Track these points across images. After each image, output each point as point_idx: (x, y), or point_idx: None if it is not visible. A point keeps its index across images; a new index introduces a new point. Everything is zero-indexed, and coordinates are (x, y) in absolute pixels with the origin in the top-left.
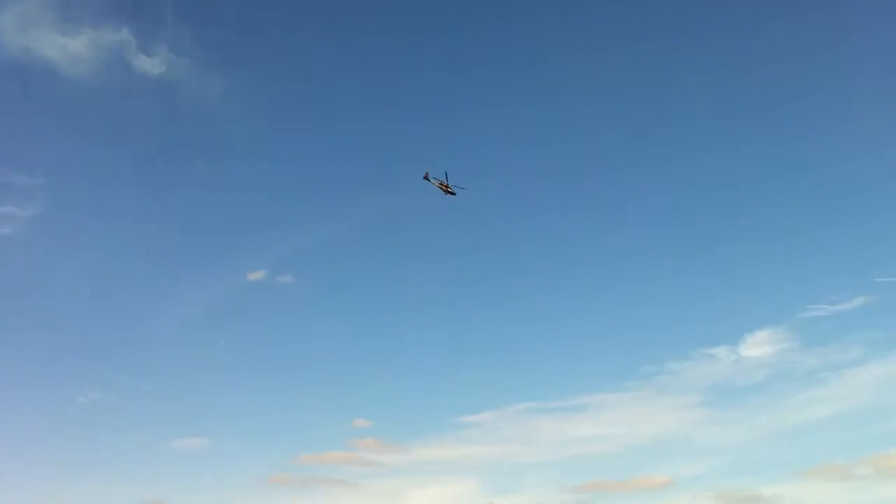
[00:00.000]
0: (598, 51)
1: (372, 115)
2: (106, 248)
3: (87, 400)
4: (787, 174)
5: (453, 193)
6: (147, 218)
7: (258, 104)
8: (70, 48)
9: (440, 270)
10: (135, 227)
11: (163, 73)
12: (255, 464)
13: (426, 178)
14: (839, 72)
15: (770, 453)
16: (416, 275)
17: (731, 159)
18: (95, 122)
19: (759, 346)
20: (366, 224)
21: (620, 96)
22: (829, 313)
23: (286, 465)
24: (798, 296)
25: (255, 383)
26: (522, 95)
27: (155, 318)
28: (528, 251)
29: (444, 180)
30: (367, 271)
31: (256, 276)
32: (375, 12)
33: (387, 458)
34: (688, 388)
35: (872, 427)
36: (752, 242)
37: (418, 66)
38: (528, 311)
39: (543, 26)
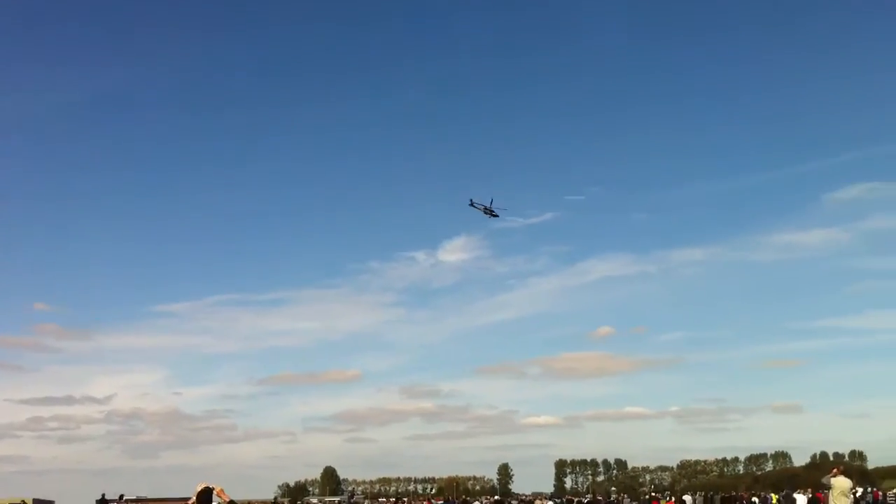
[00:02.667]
0: None
1: None
2: None
3: None
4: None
5: (496, 215)
6: None
7: None
8: None
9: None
10: None
11: None
12: None
13: (472, 204)
14: None
15: (454, 352)
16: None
17: None
18: None
19: (455, 251)
20: None
21: None
22: (521, 226)
23: None
24: (494, 206)
25: None
26: None
27: None
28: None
29: (489, 205)
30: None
31: None
32: None
33: (70, 345)
34: (387, 288)
35: (545, 332)
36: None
37: None
38: (234, 203)
39: None
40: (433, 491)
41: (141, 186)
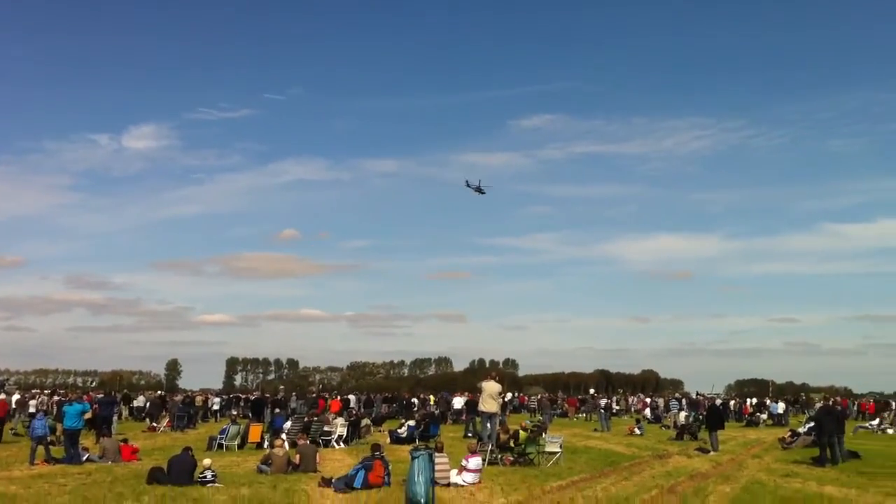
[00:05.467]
0: None
1: None
2: None
3: None
4: None
5: (483, 192)
6: None
7: None
8: None
9: None
10: None
11: None
12: None
13: (468, 184)
14: None
15: (131, 244)
16: None
17: None
18: None
19: (142, 139)
20: None
21: None
22: (217, 119)
23: None
24: (189, 96)
25: None
26: None
27: None
28: None
29: (479, 185)
30: None
31: None
32: None
33: None
34: (61, 171)
35: (230, 230)
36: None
37: None
38: None
39: None
40: (94, 384)
41: None
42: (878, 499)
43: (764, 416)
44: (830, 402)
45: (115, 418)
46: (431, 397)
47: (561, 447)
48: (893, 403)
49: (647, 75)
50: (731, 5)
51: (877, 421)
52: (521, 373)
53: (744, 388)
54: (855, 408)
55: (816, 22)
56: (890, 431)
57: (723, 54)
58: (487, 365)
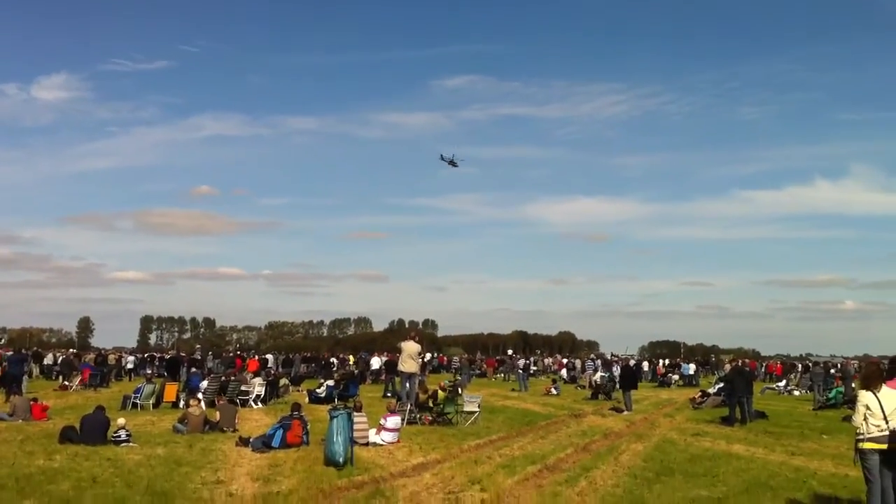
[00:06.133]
0: None
1: None
2: None
3: None
4: None
5: (456, 165)
6: None
7: None
8: None
9: None
10: None
11: None
12: None
13: (442, 157)
14: None
15: (41, 198)
16: None
17: None
18: None
19: (53, 89)
20: None
21: None
22: (131, 70)
23: None
24: (102, 46)
25: None
26: None
27: None
28: None
29: (452, 158)
30: None
31: None
32: None
33: None
34: None
35: (144, 185)
36: None
37: None
38: None
39: None
40: (2, 342)
41: None
42: (783, 457)
43: (676, 377)
44: (739, 364)
45: (25, 376)
46: (351, 357)
47: (479, 407)
48: (799, 365)
49: (566, 39)
50: None
51: (783, 382)
52: (440, 333)
53: (657, 349)
54: (763, 369)
55: None
56: (796, 393)
57: (638, 20)
58: (407, 325)
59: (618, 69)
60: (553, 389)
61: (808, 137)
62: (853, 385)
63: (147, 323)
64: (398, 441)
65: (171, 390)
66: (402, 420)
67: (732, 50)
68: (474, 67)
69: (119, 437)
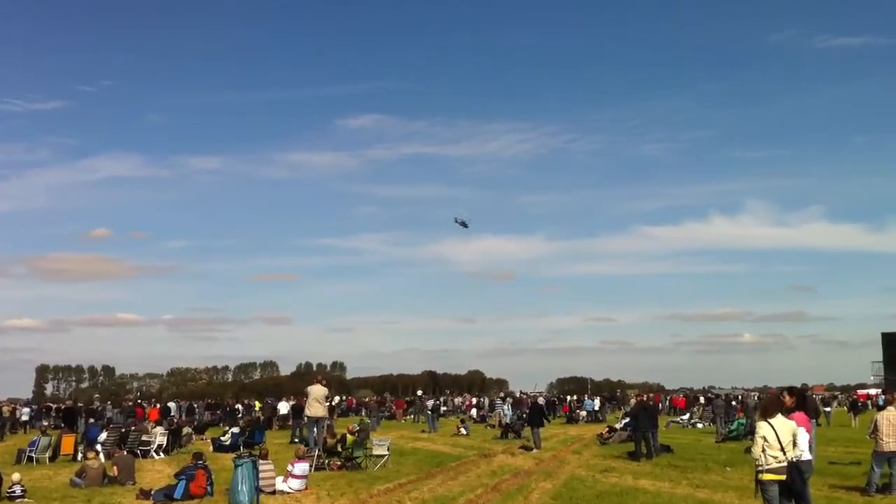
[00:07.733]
0: None
1: None
2: None
3: None
4: None
5: (466, 226)
6: None
7: None
8: None
9: None
10: None
11: None
12: None
13: (455, 220)
14: None
15: None
16: None
17: None
18: None
19: None
20: None
21: None
22: (24, 110)
23: None
24: None
25: None
26: None
27: None
28: None
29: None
30: None
31: None
32: None
33: None
34: None
35: (37, 230)
36: None
37: None
38: None
39: None
40: None
41: None
42: (688, 491)
43: (584, 413)
44: (644, 399)
45: None
46: (257, 403)
47: (388, 450)
48: (702, 398)
49: (470, 77)
50: (545, 9)
51: (687, 415)
52: (348, 375)
53: (565, 385)
54: (667, 403)
55: (624, 28)
56: (699, 425)
57: (542, 60)
58: (315, 368)
59: (523, 108)
60: (462, 429)
61: (704, 174)
62: (755, 417)
63: (43, 372)
64: (306, 488)
65: (68, 442)
66: (310, 466)
67: (633, 88)
68: (380, 107)
69: (14, 492)
